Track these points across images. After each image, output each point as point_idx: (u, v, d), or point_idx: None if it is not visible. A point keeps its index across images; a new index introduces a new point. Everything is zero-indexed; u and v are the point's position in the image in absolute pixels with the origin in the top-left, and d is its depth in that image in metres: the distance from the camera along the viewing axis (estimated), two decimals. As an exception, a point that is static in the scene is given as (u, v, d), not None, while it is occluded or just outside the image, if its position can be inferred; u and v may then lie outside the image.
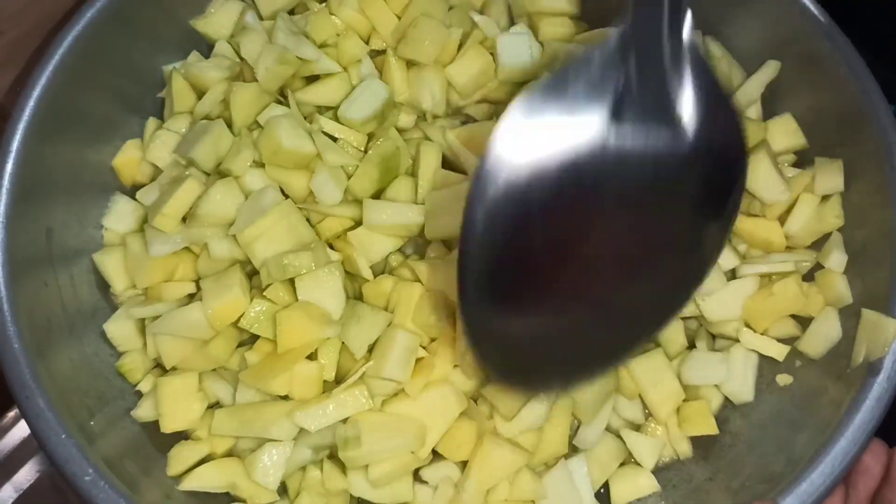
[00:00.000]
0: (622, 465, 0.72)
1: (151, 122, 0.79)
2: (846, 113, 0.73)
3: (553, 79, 0.52)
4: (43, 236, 0.71)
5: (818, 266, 0.74)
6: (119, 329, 0.72)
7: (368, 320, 0.67)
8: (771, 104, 0.79)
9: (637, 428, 0.73)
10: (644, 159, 0.52)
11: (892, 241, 0.68)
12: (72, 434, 0.61)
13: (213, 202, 0.69)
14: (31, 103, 0.70)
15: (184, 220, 0.71)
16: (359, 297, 0.72)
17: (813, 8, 0.74)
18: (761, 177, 0.72)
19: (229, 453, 0.69)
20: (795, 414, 0.69)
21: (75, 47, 0.72)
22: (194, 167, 0.72)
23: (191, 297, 0.72)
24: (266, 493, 0.66)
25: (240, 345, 0.71)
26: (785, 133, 0.77)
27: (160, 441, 0.70)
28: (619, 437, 0.72)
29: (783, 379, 0.72)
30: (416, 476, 0.69)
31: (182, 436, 0.70)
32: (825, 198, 0.74)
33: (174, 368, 0.70)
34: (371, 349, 0.68)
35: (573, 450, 0.71)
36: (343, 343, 0.68)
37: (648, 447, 0.71)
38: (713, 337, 0.76)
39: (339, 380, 0.68)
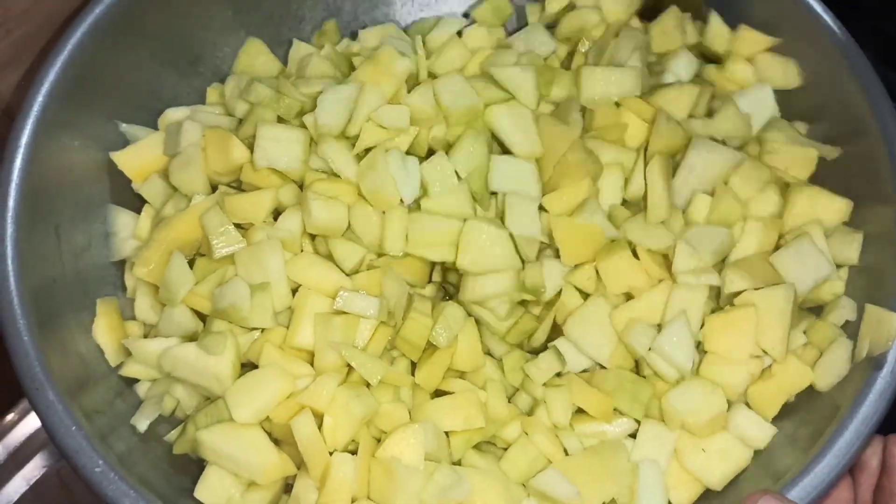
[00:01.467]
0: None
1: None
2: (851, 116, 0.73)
3: None
4: (52, 232, 0.71)
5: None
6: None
7: None
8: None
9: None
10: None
11: (894, 239, 0.68)
12: (81, 426, 0.61)
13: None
14: (39, 101, 0.70)
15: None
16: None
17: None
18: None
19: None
20: (800, 408, 0.69)
21: (82, 46, 0.73)
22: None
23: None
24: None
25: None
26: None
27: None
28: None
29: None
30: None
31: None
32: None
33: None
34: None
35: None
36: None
37: None
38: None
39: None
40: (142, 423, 0.70)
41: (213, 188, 0.76)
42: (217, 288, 0.69)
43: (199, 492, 0.65)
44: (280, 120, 0.76)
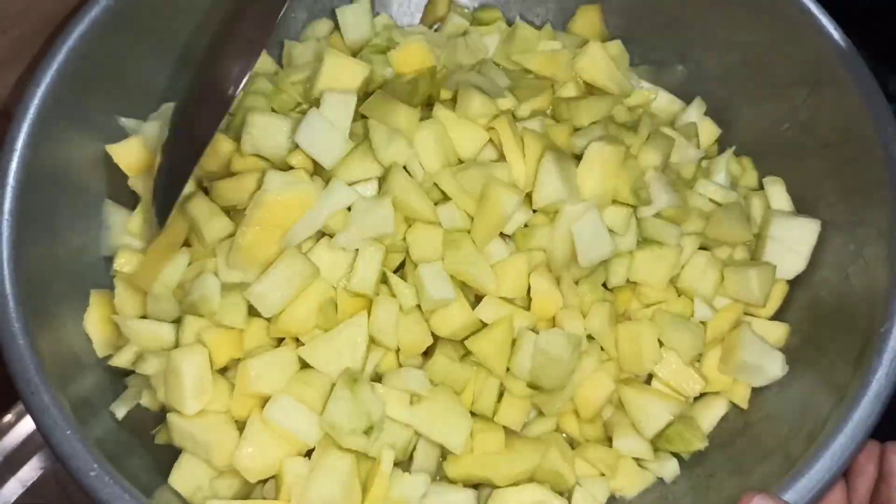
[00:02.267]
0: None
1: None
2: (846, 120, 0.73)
3: None
4: (49, 233, 0.71)
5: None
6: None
7: None
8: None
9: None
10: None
11: (889, 239, 0.68)
12: (77, 429, 0.61)
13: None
14: (35, 101, 0.70)
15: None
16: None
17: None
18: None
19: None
20: (794, 412, 0.69)
21: (79, 46, 0.72)
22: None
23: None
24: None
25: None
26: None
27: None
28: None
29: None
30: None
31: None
32: None
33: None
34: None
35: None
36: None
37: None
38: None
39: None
40: (120, 410, 0.70)
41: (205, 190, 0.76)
42: (191, 281, 0.70)
43: (173, 478, 0.66)
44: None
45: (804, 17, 0.75)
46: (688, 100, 0.86)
